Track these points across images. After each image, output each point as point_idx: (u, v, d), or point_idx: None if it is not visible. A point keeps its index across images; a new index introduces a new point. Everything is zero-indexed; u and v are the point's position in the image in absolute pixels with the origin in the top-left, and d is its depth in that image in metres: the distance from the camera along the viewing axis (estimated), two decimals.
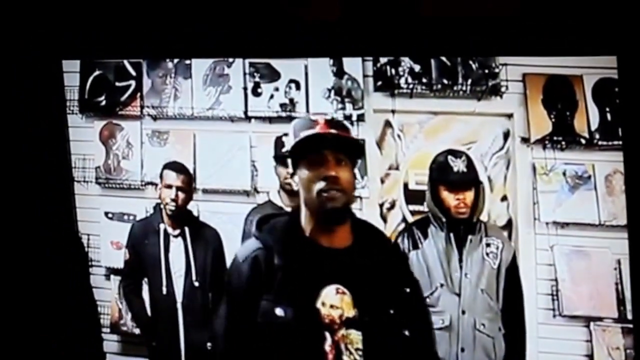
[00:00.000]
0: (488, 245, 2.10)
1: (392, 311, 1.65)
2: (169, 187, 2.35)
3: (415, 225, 2.18)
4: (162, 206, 2.38)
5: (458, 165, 2.09)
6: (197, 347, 2.35)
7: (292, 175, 1.72)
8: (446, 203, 2.10)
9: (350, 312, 1.63)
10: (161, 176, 2.39)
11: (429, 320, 1.95)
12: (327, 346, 1.62)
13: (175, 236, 2.37)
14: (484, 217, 2.15)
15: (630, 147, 2.01)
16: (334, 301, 1.63)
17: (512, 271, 2.10)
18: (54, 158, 2.42)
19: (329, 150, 1.63)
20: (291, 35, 2.17)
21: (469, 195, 2.09)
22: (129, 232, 2.43)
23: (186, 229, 2.36)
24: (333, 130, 1.66)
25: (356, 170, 1.73)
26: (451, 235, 2.11)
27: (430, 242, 2.13)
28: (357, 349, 1.62)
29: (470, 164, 2.11)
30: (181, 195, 2.35)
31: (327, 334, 1.62)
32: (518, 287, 2.10)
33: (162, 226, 2.37)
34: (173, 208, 2.34)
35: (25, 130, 2.44)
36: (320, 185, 1.61)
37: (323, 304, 1.62)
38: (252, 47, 2.23)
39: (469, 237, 2.10)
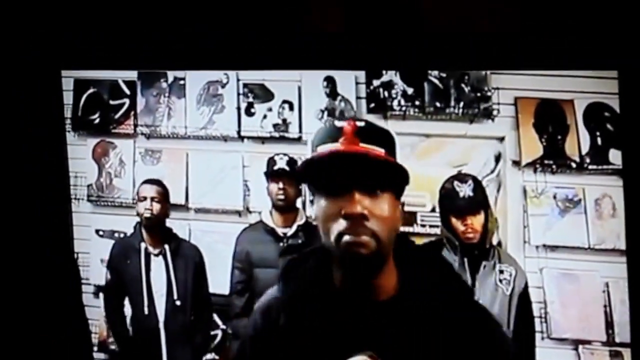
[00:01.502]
0: (501, 272, 2.07)
1: None
2: (144, 199, 2.33)
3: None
4: (140, 222, 2.35)
5: (464, 190, 2.05)
6: None
7: (312, 202, 1.24)
8: (456, 229, 2.05)
9: None
10: (138, 193, 2.37)
11: None
12: None
13: (156, 255, 2.34)
14: None
15: (629, 164, 2.03)
16: None
17: (525, 298, 2.06)
18: (50, 176, 2.40)
19: (354, 178, 1.11)
20: (292, 45, 2.15)
21: (477, 220, 2.04)
22: (110, 251, 2.39)
23: (166, 247, 2.34)
24: (364, 145, 1.11)
25: None
26: (465, 259, 2.06)
27: None
28: None
29: (477, 187, 2.07)
30: (156, 205, 2.32)
31: None
32: (530, 314, 2.07)
33: (142, 245, 2.34)
34: (149, 216, 2.31)
35: (24, 142, 2.42)
36: (340, 226, 1.10)
37: None
38: (254, 57, 2.21)
39: (483, 262, 2.06)
